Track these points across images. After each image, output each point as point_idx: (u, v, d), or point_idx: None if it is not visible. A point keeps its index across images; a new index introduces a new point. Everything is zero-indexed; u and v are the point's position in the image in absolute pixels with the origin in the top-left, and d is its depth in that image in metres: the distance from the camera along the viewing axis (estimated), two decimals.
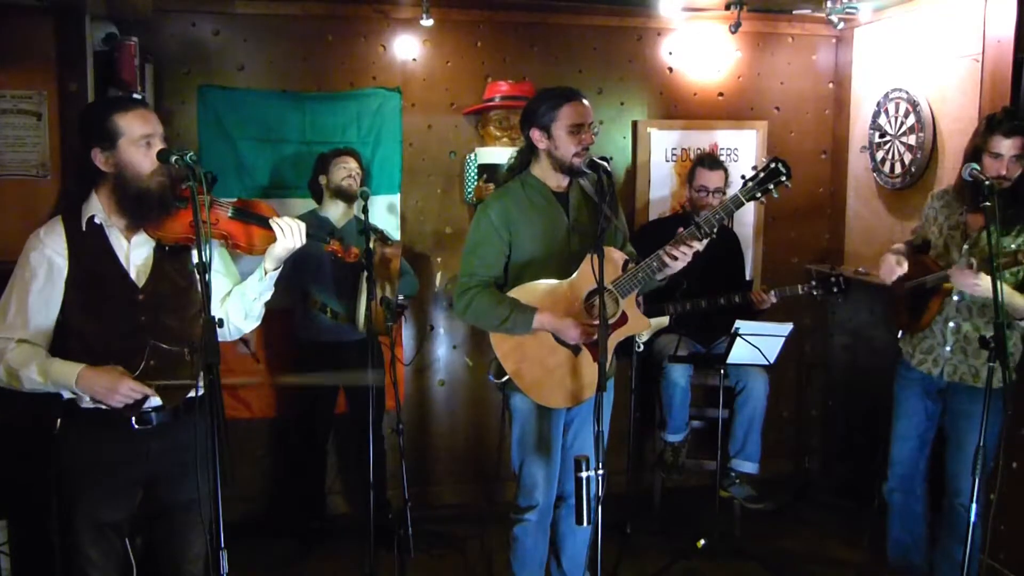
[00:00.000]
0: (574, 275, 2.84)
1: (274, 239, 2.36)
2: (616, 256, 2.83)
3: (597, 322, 2.75)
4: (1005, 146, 2.89)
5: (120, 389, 2.19)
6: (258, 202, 2.48)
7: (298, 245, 2.38)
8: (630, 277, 2.78)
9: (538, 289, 2.86)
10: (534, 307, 2.80)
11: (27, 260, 2.29)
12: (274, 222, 2.37)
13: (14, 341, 2.25)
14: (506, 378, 2.92)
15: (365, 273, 3.24)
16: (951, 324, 3.13)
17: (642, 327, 2.90)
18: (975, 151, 2.97)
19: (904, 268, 3.15)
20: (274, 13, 4.07)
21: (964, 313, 3.10)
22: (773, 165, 2.72)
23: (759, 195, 2.74)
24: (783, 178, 2.72)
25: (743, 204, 2.75)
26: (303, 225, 2.39)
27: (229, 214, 2.37)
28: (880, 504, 3.51)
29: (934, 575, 3.33)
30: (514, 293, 2.87)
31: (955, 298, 3.11)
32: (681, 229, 2.76)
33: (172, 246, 2.34)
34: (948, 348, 3.14)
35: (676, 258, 2.74)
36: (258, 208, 2.42)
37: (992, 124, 2.93)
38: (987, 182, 2.66)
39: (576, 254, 2.85)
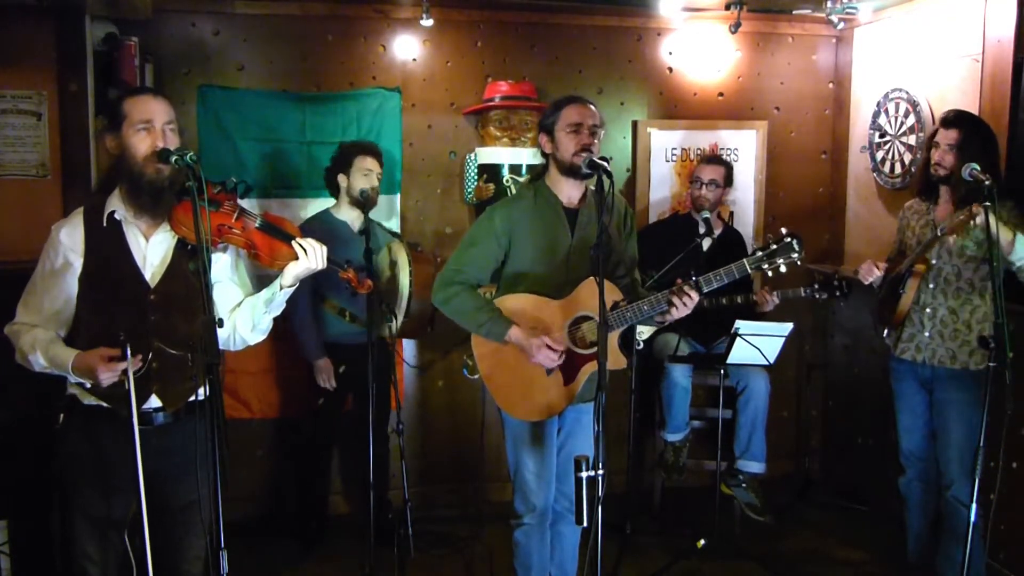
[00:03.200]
0: (567, 296, 2.82)
1: (295, 258, 2.37)
2: (609, 292, 2.77)
3: (565, 348, 2.79)
4: (941, 136, 3.17)
5: (99, 370, 2.19)
6: (284, 220, 2.49)
7: (318, 268, 2.39)
8: (619, 315, 2.75)
9: (528, 301, 2.85)
10: (510, 321, 2.80)
11: (46, 253, 2.35)
12: (297, 243, 2.37)
13: (28, 325, 2.33)
14: (477, 376, 2.95)
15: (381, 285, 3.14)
16: (928, 310, 3.23)
17: (619, 364, 2.83)
18: (929, 145, 3.29)
19: (881, 270, 3.34)
20: (274, 13, 4.07)
21: (940, 298, 3.20)
22: (787, 240, 2.64)
23: (765, 266, 2.66)
24: (795, 255, 2.64)
25: (747, 272, 2.68)
26: (324, 249, 2.40)
27: (256, 225, 2.37)
28: (886, 502, 3.52)
29: None
30: (505, 300, 2.87)
31: (931, 285, 3.21)
32: (679, 281, 2.71)
33: (194, 246, 2.33)
34: (927, 334, 3.23)
35: (676, 306, 2.66)
36: (284, 225, 2.43)
37: (940, 119, 3.26)
38: (987, 182, 2.67)
39: (573, 275, 2.83)
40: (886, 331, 3.41)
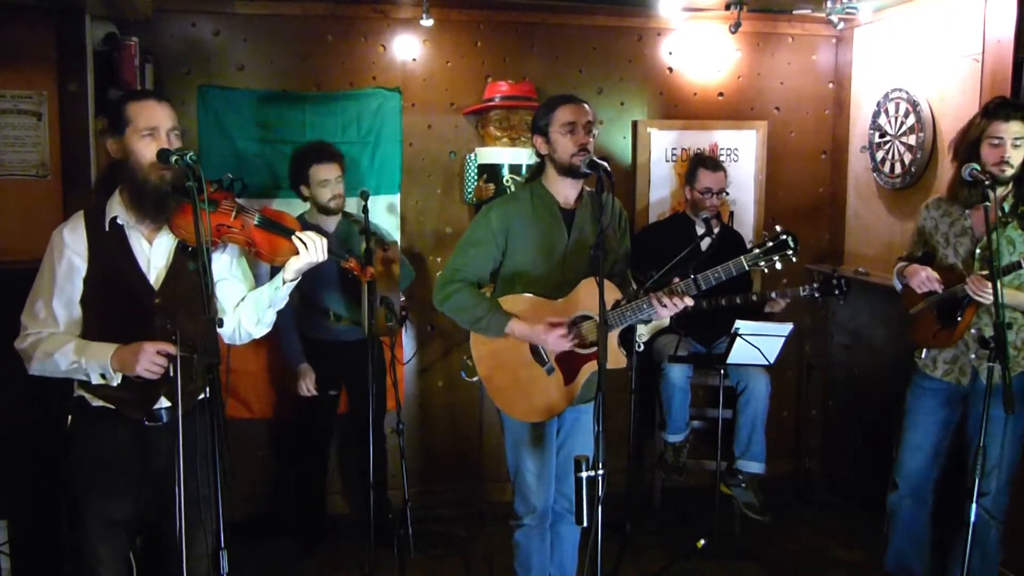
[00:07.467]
0: (566, 297, 2.82)
1: (296, 252, 2.37)
2: (610, 292, 2.77)
3: (575, 332, 2.78)
4: (1003, 129, 2.89)
5: (141, 358, 2.21)
6: (284, 214, 2.49)
7: (319, 260, 2.40)
8: (618, 314, 2.75)
9: (526, 301, 2.85)
10: (509, 314, 2.80)
11: (50, 259, 2.33)
12: (297, 236, 2.38)
13: (46, 331, 2.31)
14: (476, 379, 2.96)
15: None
16: (972, 331, 3.05)
17: (619, 363, 2.83)
18: (974, 142, 2.97)
19: (939, 285, 3.06)
20: (274, 13, 4.07)
21: (985, 318, 3.03)
22: (783, 237, 2.67)
23: (762, 263, 2.68)
24: (790, 252, 2.66)
25: (744, 270, 2.69)
26: (325, 241, 2.41)
27: (255, 221, 2.37)
28: (886, 502, 3.45)
29: None
30: (504, 301, 2.87)
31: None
32: (677, 280, 2.71)
33: (194, 247, 2.33)
34: (974, 355, 3.06)
35: (666, 307, 2.67)
36: (283, 219, 2.43)
37: (989, 111, 2.95)
38: (987, 182, 2.66)
39: (569, 275, 2.83)
40: (924, 351, 3.22)
